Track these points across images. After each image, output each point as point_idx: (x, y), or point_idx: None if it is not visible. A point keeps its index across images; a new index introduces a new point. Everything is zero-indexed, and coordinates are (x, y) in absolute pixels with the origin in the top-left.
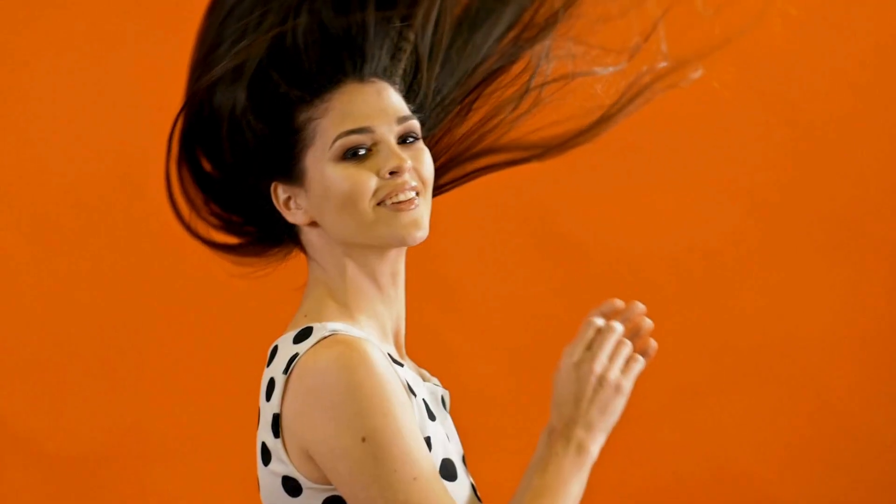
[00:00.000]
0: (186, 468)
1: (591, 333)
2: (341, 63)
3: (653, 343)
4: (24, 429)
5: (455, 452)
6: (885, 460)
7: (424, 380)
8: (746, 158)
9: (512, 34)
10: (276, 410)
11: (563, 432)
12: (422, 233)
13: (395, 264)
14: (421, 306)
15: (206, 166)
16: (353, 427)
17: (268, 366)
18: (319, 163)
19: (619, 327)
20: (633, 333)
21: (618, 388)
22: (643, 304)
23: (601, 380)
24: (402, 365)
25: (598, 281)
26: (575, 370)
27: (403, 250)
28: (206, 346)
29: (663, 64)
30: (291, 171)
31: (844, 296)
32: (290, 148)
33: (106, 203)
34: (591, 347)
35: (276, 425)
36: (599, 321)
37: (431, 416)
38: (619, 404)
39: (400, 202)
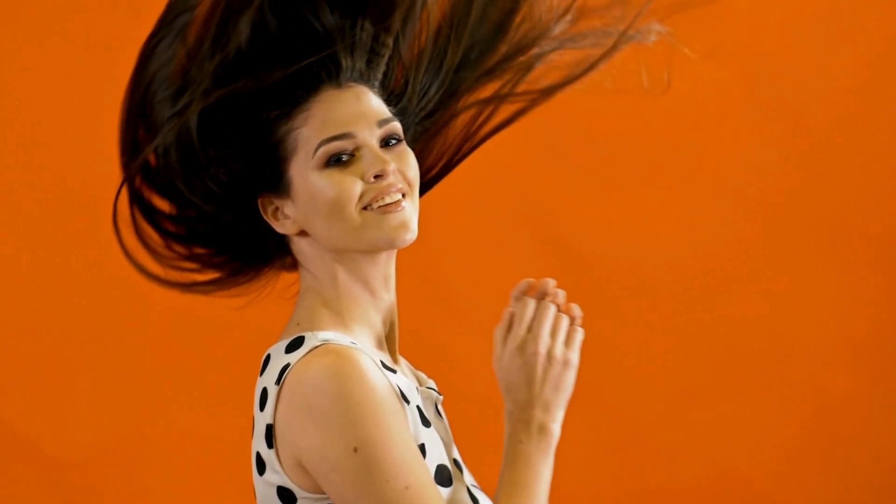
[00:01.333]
0: (185, 472)
1: (528, 314)
2: (316, 73)
3: (575, 307)
4: (24, 432)
5: (450, 458)
6: (885, 464)
7: (421, 383)
8: (747, 164)
9: (504, 40)
10: (270, 421)
11: (522, 417)
12: (410, 235)
13: (387, 268)
14: (421, 310)
15: (171, 214)
16: (345, 437)
17: (261, 375)
18: (303, 172)
19: (560, 299)
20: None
21: (566, 363)
22: (643, 308)
23: (548, 358)
24: (394, 371)
25: (598, 286)
26: (520, 354)
27: (393, 253)
28: (205, 350)
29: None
30: (276, 185)
31: (844, 300)
32: (273, 163)
33: (107, 206)
34: (531, 328)
35: (270, 436)
36: (532, 301)
37: (426, 423)
38: (570, 379)
39: (387, 205)
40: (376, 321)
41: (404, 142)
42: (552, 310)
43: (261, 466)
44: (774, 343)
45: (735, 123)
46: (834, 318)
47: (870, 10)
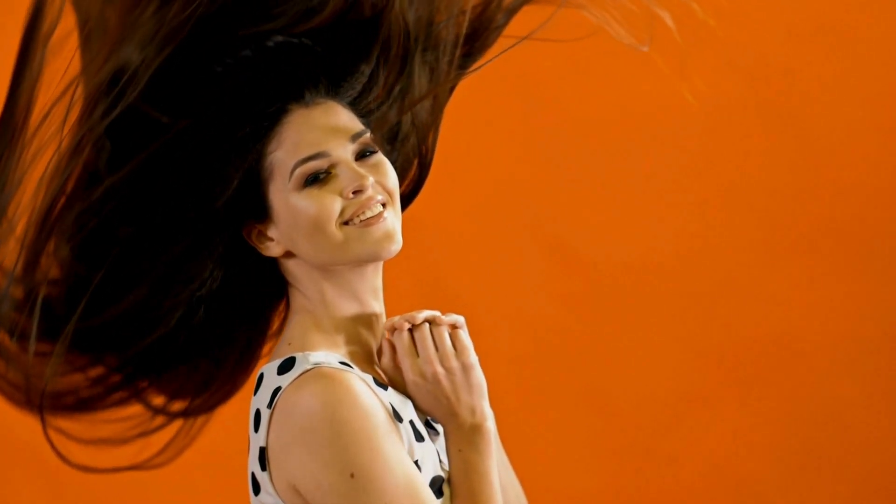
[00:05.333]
0: (186, 480)
1: (406, 343)
2: (279, 97)
3: (445, 317)
4: (26, 438)
5: (444, 468)
6: (888, 468)
7: None
8: (750, 169)
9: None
10: (263, 444)
11: (453, 428)
12: (395, 245)
13: (374, 280)
14: None
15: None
16: (341, 463)
17: (255, 394)
18: (282, 194)
19: (419, 320)
20: None
21: (465, 368)
22: (645, 312)
23: (447, 372)
24: (386, 387)
25: (600, 290)
26: (422, 380)
27: (380, 265)
28: None
29: None
30: (257, 210)
31: (846, 304)
32: (252, 190)
33: None
34: (418, 353)
35: (263, 458)
36: (405, 333)
37: (419, 437)
38: (477, 377)
39: (368, 219)
40: (367, 336)
41: (379, 152)
42: (426, 329)
43: (256, 487)
44: (776, 347)
45: (738, 128)
46: (836, 321)
47: (871, 18)
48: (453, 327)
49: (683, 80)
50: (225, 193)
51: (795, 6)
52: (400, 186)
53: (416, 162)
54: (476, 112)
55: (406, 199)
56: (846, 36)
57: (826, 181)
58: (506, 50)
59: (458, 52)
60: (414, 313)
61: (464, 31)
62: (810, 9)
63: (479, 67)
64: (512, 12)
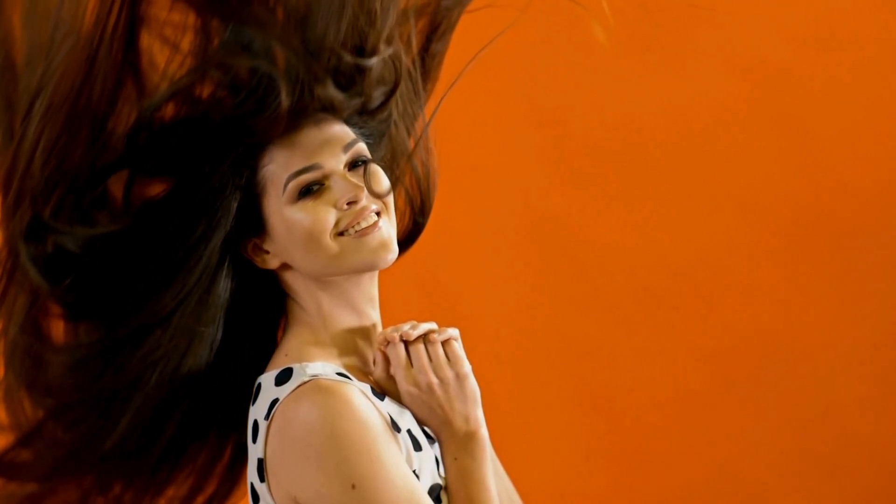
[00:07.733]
0: None
1: (402, 355)
2: (270, 118)
3: (438, 334)
4: None
5: (442, 477)
6: (888, 468)
7: None
8: (750, 170)
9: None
10: (261, 455)
11: (447, 436)
12: (392, 255)
13: (370, 288)
14: (423, 316)
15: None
16: (342, 475)
17: (252, 404)
18: (276, 207)
19: (413, 336)
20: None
21: (458, 377)
22: (644, 313)
23: (441, 382)
24: (382, 397)
25: (599, 292)
26: (417, 391)
27: (375, 275)
28: None
29: None
30: (252, 224)
31: (846, 305)
32: (248, 206)
33: None
34: (412, 364)
35: (262, 470)
36: (399, 344)
37: (417, 447)
38: (471, 386)
39: (363, 229)
40: (363, 345)
41: (372, 161)
42: (419, 341)
43: (255, 497)
44: (776, 347)
45: (737, 129)
46: (836, 322)
47: (872, 19)
48: (446, 340)
49: (593, 16)
50: (229, 219)
51: (795, 7)
52: (398, 235)
53: (409, 212)
54: (471, 113)
55: (402, 245)
56: (846, 36)
57: (826, 182)
58: (473, 60)
59: (420, 85)
60: (408, 329)
61: (416, 55)
62: (810, 10)
63: (442, 100)
64: (450, 26)
